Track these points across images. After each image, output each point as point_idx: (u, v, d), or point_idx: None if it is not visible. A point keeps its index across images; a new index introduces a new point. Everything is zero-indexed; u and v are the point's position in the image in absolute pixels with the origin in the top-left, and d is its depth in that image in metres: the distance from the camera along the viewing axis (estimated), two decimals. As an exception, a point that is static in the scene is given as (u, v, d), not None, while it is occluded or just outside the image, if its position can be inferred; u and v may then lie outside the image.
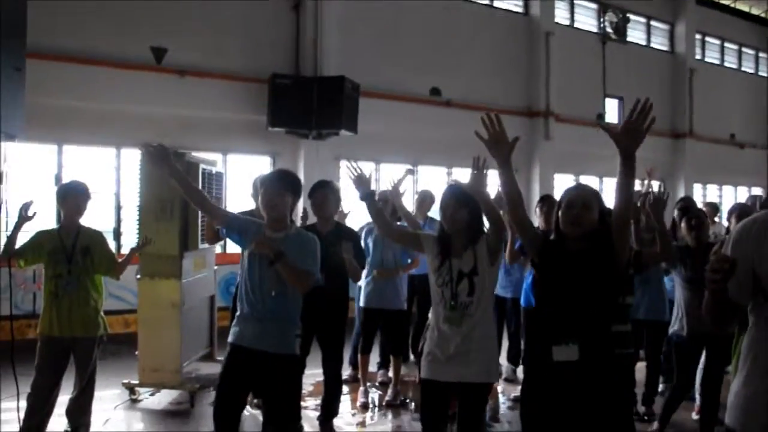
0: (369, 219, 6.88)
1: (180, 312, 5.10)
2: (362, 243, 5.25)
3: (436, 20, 10.04)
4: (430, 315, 3.28)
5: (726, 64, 15.48)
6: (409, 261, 5.45)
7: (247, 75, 8.19)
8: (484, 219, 3.24)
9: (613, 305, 2.78)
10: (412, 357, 6.33)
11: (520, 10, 11.30)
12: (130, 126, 7.46)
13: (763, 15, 15.98)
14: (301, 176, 8.55)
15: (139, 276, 5.20)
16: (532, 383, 2.77)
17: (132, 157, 7.72)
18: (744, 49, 15.88)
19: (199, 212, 5.13)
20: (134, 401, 5.11)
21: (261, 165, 8.56)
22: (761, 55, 16.36)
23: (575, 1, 12.14)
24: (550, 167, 11.34)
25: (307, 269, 3.23)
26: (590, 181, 12.51)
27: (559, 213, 2.70)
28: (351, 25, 9.03)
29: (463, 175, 10.43)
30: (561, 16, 11.76)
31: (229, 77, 8.06)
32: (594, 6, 12.41)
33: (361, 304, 5.34)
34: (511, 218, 2.90)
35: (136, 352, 5.18)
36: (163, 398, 5.22)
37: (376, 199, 5.95)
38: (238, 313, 3.30)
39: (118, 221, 7.57)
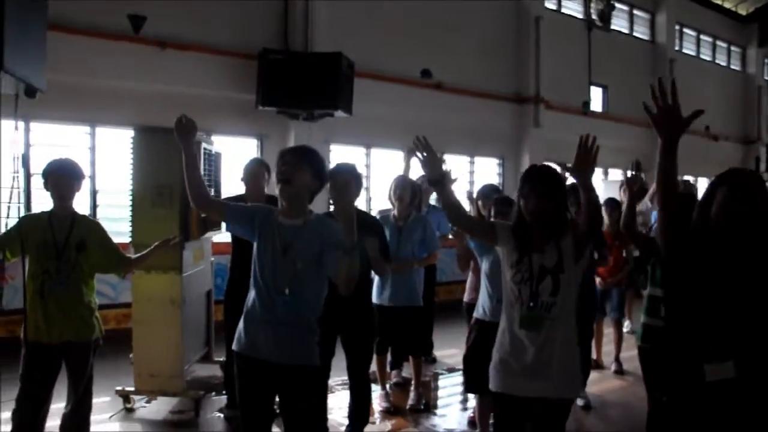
0: (381, 207, 6.49)
1: (181, 310, 4.51)
2: None
3: (428, -1, 9.56)
4: (501, 318, 2.83)
5: (701, 56, 15.53)
6: (425, 255, 5.01)
7: (234, 49, 7.54)
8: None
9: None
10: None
11: (510, -8, 10.92)
12: (104, 102, 6.73)
13: (734, 9, 16.11)
14: (291, 161, 8.12)
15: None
16: (679, 406, 2.33)
17: (110, 137, 7.00)
18: (718, 42, 15.98)
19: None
20: (129, 410, 4.52)
21: (247, 148, 7.94)
22: (733, 48, 16.51)
23: (563, -14, 11.87)
24: (539, 155, 11.01)
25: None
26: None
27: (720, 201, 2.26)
28: (342, -1, 8.46)
29: (455, 161, 10.08)
30: (549, 1, 11.44)
31: (215, 51, 7.39)
32: (581, -9, 12.17)
33: (375, 301, 4.84)
34: (665, 212, 2.39)
35: (131, 355, 4.57)
36: (162, 406, 4.65)
37: (419, 182, 5.55)
38: (245, 315, 2.79)
39: (94, 207, 6.84)
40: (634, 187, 3.77)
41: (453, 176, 4.12)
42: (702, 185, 15.26)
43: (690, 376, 2.20)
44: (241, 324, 2.80)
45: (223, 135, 7.51)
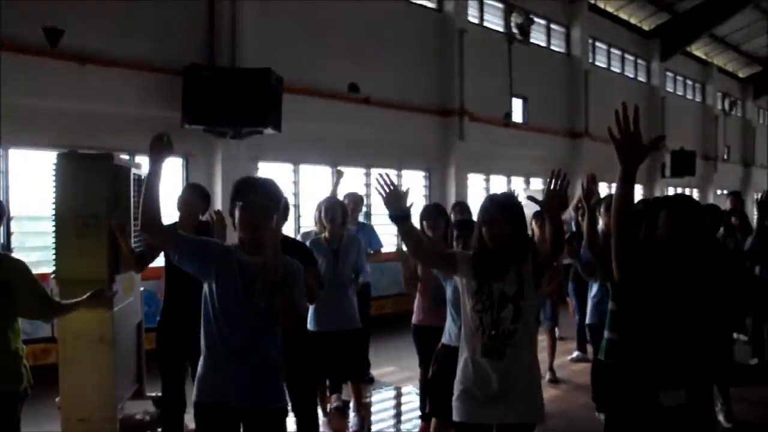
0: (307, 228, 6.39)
1: (111, 347, 4.25)
2: None
3: (354, 12, 9.54)
4: (461, 347, 2.84)
5: (612, 68, 16.31)
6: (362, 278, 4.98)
7: (158, 65, 7.22)
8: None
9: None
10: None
11: (433, 6, 11.07)
12: (18, 121, 6.25)
13: (639, 25, 17.02)
14: (218, 180, 7.87)
15: (57, 306, 4.28)
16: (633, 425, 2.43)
17: (24, 160, 6.54)
18: (626, 55, 16.83)
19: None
20: (56, 460, 4.21)
21: (172, 167, 7.64)
22: (639, 61, 17.44)
23: (484, 1, 12.13)
24: (465, 167, 11.26)
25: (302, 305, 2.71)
26: (499, 180, 12.65)
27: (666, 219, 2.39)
28: (268, 12, 8.29)
29: (388, 174, 10.06)
30: (471, 14, 11.68)
31: (137, 67, 7.05)
32: (501, 6, 12.48)
33: (311, 328, 4.73)
34: (619, 234, 2.47)
35: (57, 399, 4.27)
36: (92, 453, 4.34)
37: (345, 201, 5.48)
38: (204, 361, 2.64)
39: (7, 235, 6.36)
40: (591, 201, 3.73)
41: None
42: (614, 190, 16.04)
43: (645, 401, 2.30)
44: (200, 371, 2.65)
45: (146, 155, 7.18)
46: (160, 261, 4.60)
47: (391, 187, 2.78)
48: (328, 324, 4.65)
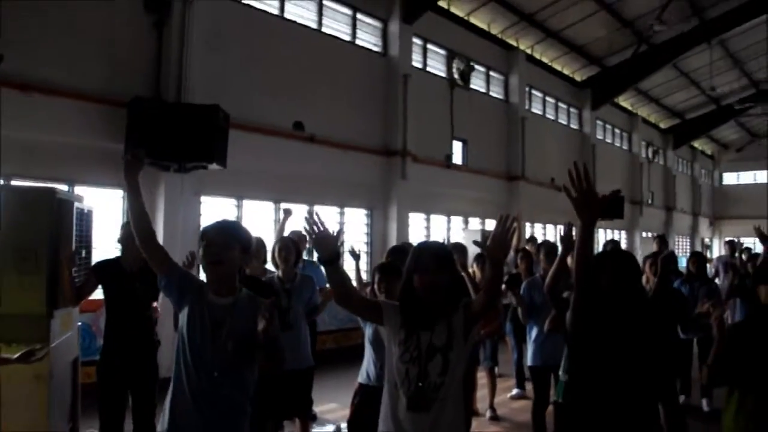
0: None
1: (48, 386, 4.10)
2: None
3: (301, 52, 9.70)
4: (383, 402, 2.68)
5: (547, 115, 17.05)
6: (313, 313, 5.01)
7: (103, 96, 7.12)
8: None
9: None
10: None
11: (379, 50, 11.37)
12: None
13: (572, 75, 17.93)
14: (161, 213, 7.74)
15: (-10, 342, 4.11)
16: None
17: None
18: (560, 104, 17.65)
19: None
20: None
21: (113, 199, 7.47)
22: (572, 109, 18.32)
23: (427, 46, 12.54)
24: (406, 206, 11.45)
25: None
26: (439, 219, 12.91)
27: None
28: (216, 48, 8.34)
29: (325, 213, 10.14)
30: (415, 59, 12.05)
31: (82, 97, 6.92)
32: (443, 52, 12.93)
33: None
34: (581, 284, 2.60)
35: (-15, 443, 4.05)
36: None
37: (288, 237, 5.49)
38: (171, 399, 2.60)
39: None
40: (567, 245, 3.82)
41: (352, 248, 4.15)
42: (549, 231, 16.61)
43: None
44: (166, 409, 2.61)
45: (88, 186, 7.03)
46: (95, 294, 4.54)
47: (321, 228, 2.62)
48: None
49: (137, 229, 2.68)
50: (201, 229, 2.72)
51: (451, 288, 2.66)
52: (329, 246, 2.61)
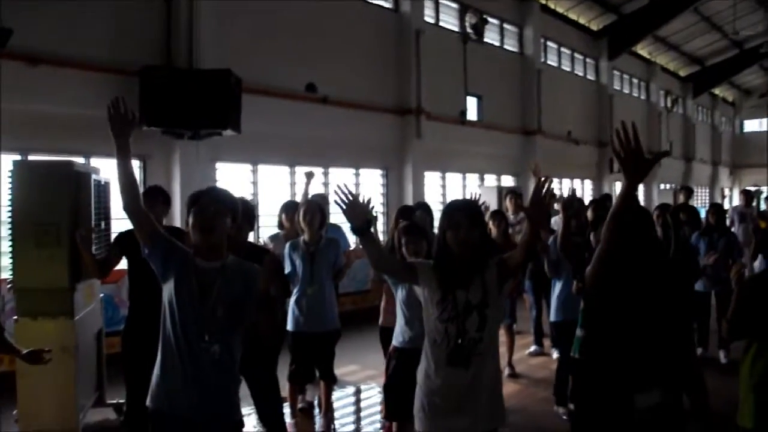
0: (267, 226, 6.40)
1: (74, 357, 4.20)
2: (286, 258, 4.73)
3: (311, 11, 9.52)
4: (423, 358, 2.78)
5: (563, 67, 16.70)
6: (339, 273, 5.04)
7: (113, 66, 7.06)
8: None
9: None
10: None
11: (390, 6, 11.13)
12: (-36, 124, 6.07)
13: (587, 25, 17.48)
14: (177, 181, 7.76)
15: (16, 317, 4.20)
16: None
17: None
18: (575, 55, 17.26)
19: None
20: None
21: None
22: (588, 60, 17.91)
23: (439, 0, 12.26)
24: (421, 165, 11.37)
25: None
26: (455, 177, 12.83)
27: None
28: (226, 12, 8.21)
29: (340, 175, 10.12)
30: (427, 15, 11.79)
31: (92, 67, 6.87)
32: (456, 6, 12.63)
33: (290, 328, 4.78)
34: (610, 242, 2.57)
35: (14, 412, 4.19)
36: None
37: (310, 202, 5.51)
38: (160, 366, 2.61)
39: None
40: (568, 212, 3.90)
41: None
42: (565, 185, 16.47)
43: (620, 403, 2.41)
44: (155, 376, 2.63)
45: (103, 157, 7.03)
46: (119, 264, 4.57)
47: (351, 198, 2.67)
48: (306, 325, 4.70)
49: (126, 196, 2.62)
50: (190, 196, 2.70)
51: (483, 244, 2.75)
52: (361, 214, 2.67)
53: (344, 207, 2.69)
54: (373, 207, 2.80)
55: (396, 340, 3.95)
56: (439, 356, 2.68)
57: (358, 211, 2.68)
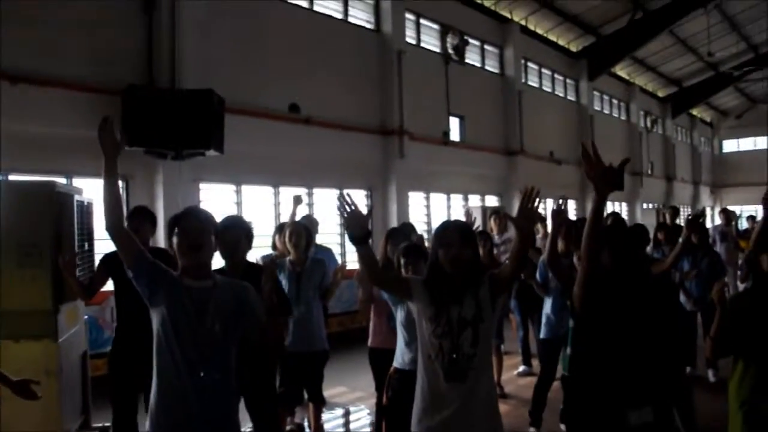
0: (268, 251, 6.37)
1: (58, 380, 4.11)
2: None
3: (294, 32, 9.58)
4: (419, 375, 2.78)
5: (544, 87, 16.93)
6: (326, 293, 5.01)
7: (96, 85, 7.04)
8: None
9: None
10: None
11: (372, 27, 11.24)
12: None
13: (567, 46, 17.78)
14: (160, 201, 7.70)
15: (-4, 339, 4.11)
16: None
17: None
18: (556, 75, 17.52)
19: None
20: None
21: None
22: (569, 81, 18.18)
23: (420, 21, 12.40)
24: (405, 185, 11.40)
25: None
26: (439, 198, 12.87)
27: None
28: (208, 32, 8.23)
29: (323, 195, 10.12)
30: (409, 36, 11.92)
31: (74, 87, 6.85)
32: (437, 27, 12.79)
33: None
34: (590, 258, 2.60)
35: (-3, 439, 4.07)
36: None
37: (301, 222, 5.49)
38: (159, 393, 2.54)
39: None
40: (558, 220, 3.92)
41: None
42: (549, 206, 16.59)
43: (614, 422, 2.41)
44: (154, 408, 2.56)
45: (85, 177, 6.97)
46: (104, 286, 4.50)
47: (353, 208, 2.68)
48: (293, 346, 4.66)
49: (111, 216, 2.55)
50: (170, 218, 2.68)
51: (475, 261, 2.78)
52: (361, 225, 2.67)
53: (345, 216, 2.69)
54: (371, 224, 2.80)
55: (396, 361, 3.94)
56: (435, 372, 2.69)
57: (358, 222, 2.68)
